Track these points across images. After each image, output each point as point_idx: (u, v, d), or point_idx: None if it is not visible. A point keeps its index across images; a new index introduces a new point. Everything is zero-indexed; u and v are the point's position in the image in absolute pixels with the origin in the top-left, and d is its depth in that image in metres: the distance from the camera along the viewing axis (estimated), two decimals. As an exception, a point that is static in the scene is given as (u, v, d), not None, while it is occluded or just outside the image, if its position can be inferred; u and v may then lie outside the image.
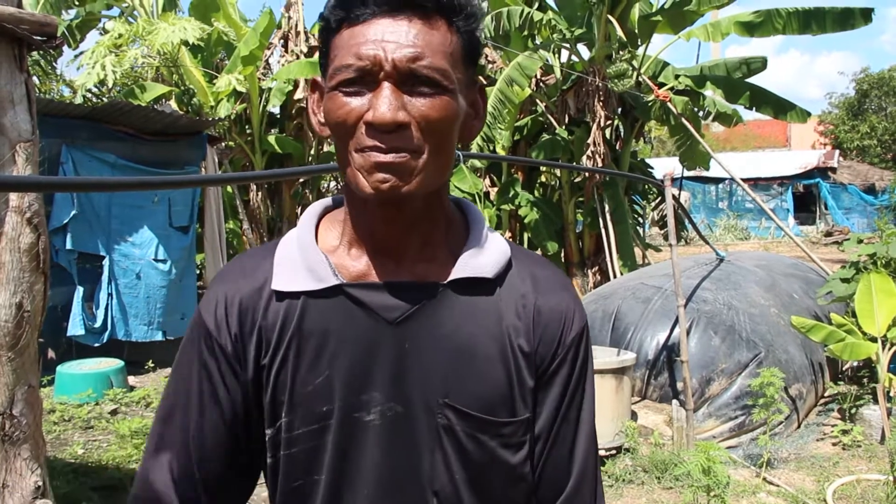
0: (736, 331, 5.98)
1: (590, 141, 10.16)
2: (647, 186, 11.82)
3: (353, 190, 1.00)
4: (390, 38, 0.95)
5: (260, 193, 11.20)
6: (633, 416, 5.77)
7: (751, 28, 9.61)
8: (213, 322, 1.07)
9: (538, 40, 11.02)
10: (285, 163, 11.30)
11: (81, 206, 7.64)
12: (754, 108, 10.60)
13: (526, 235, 11.70)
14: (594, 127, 10.15)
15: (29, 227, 2.92)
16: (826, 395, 6.65)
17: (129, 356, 7.77)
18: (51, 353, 7.40)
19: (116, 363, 7.19)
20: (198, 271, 9.61)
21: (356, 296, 1.04)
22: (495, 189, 11.88)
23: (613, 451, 5.28)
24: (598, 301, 6.81)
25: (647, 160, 13.58)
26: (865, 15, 9.35)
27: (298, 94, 10.99)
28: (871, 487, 4.85)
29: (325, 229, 1.11)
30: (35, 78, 12.53)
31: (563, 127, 10.92)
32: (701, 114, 10.74)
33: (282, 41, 11.50)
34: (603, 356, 5.53)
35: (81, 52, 10.79)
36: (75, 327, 7.55)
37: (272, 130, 11.53)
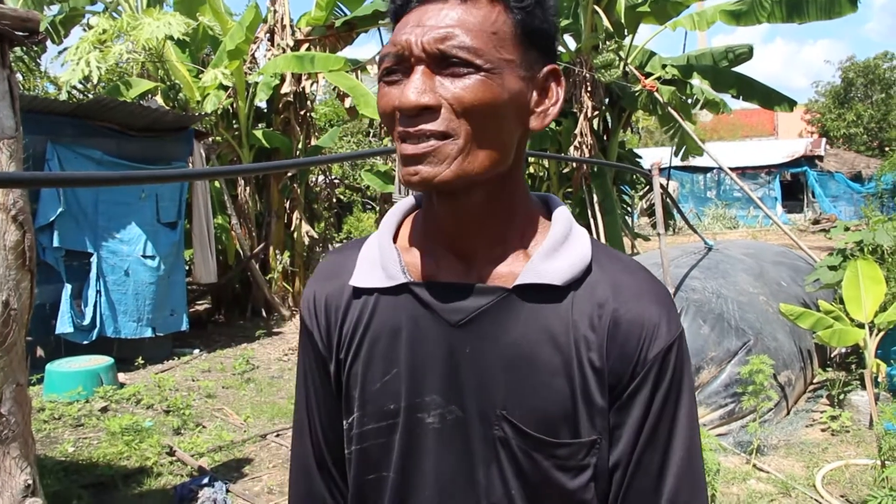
0: (725, 319, 6.01)
1: (577, 131, 10.16)
2: (635, 176, 11.84)
3: None
4: (426, 21, 0.93)
5: (248, 188, 11.16)
6: (624, 405, 5.78)
7: (736, 16, 9.60)
8: (308, 320, 1.12)
9: (525, 31, 11.00)
10: (273, 157, 11.24)
11: (68, 203, 7.60)
12: (741, 98, 10.61)
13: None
14: (581, 117, 10.15)
15: (14, 225, 2.90)
16: (815, 381, 6.69)
17: (118, 353, 7.75)
18: (40, 352, 7.37)
19: (106, 360, 7.16)
20: (186, 267, 9.58)
21: (420, 295, 1.03)
22: (484, 181, 11.86)
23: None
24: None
25: (635, 150, 13.60)
26: (852, 2, 9.36)
27: (285, 89, 10.94)
28: (859, 472, 4.89)
29: (407, 227, 1.11)
30: (19, 75, 12.45)
31: (551, 118, 10.91)
32: (689, 102, 10.75)
33: (268, 35, 11.43)
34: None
35: (65, 49, 10.70)
36: (64, 325, 7.52)
37: (259, 125, 11.47)
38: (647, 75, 10.30)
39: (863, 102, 32.28)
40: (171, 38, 9.64)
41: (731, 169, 11.79)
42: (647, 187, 12.02)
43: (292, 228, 11.48)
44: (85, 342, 7.66)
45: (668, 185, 12.77)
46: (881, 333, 5.71)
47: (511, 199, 1.02)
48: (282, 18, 11.22)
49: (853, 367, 6.78)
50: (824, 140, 27.79)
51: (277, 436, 5.84)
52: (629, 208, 13.18)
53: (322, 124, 17.57)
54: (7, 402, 2.88)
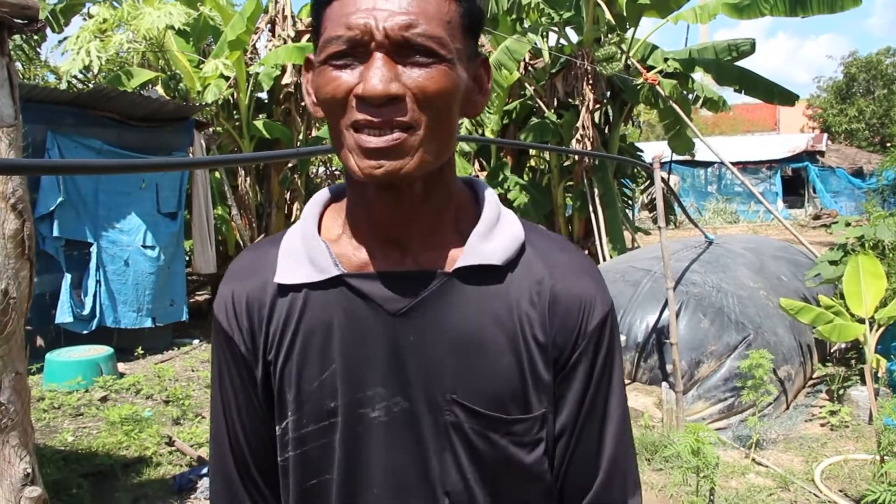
0: (725, 313, 6.01)
1: (579, 124, 10.14)
2: (636, 170, 11.82)
3: (349, 173, 0.96)
4: (382, 5, 0.89)
5: (248, 179, 11.14)
6: (623, 398, 5.79)
7: (739, 9, 9.57)
8: (226, 322, 1.05)
9: (526, 24, 10.98)
10: (273, 148, 11.22)
11: (68, 192, 7.59)
12: (743, 92, 10.58)
13: (515, 220, 11.69)
14: (583, 110, 10.13)
15: (13, 214, 2.89)
16: (814, 376, 6.69)
17: (118, 343, 7.76)
18: (39, 341, 7.37)
19: (105, 350, 7.16)
20: (186, 257, 9.58)
21: (357, 287, 0.99)
22: (484, 173, 11.86)
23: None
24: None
25: (637, 143, 13.58)
26: (855, -4, 9.32)
27: (286, 79, 10.91)
28: (858, 467, 4.89)
29: (330, 218, 1.07)
30: (19, 64, 12.41)
31: (552, 111, 10.91)
32: (690, 97, 10.73)
33: (269, 26, 11.41)
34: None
35: (66, 38, 10.67)
36: (64, 315, 7.52)
37: (260, 116, 11.44)
38: (649, 68, 10.27)
39: (864, 98, 32.19)
40: (172, 27, 9.61)
41: (733, 163, 11.79)
42: (648, 181, 12.00)
43: (293, 219, 11.47)
44: (85, 332, 7.67)
45: (669, 179, 12.75)
46: (881, 329, 5.72)
47: (445, 186, 1.02)
48: (283, 9, 11.22)
49: (853, 362, 6.78)
50: (826, 135, 27.71)
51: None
52: (630, 202, 13.17)
53: (323, 115, 17.50)
54: (6, 391, 2.87)
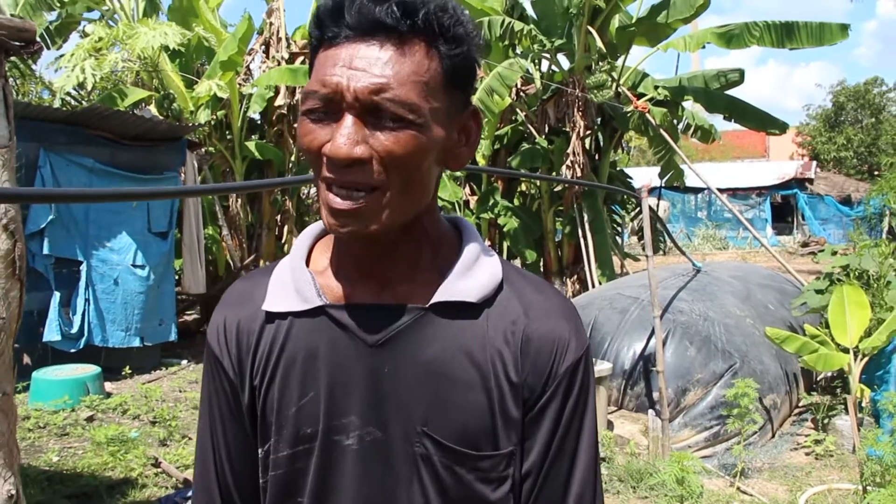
0: (711, 341, 6.04)
1: (569, 150, 10.22)
2: (626, 197, 11.89)
3: None
4: (358, 64, 0.90)
5: (239, 200, 11.16)
6: (610, 425, 5.81)
7: (727, 39, 9.68)
8: (218, 348, 1.10)
9: (518, 50, 11.08)
10: (265, 169, 11.28)
11: (59, 210, 7.59)
12: (734, 120, 10.69)
13: (505, 244, 11.75)
14: (574, 136, 10.21)
15: (5, 234, 2.91)
16: (800, 405, 6.72)
17: (105, 362, 7.71)
18: (26, 359, 7.33)
19: (93, 369, 7.13)
20: (176, 277, 9.56)
21: (337, 317, 1.03)
22: (475, 198, 11.92)
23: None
24: (575, 310, 6.84)
25: (627, 170, 13.68)
26: (843, 29, 9.47)
27: (279, 101, 10.98)
28: (841, 496, 4.92)
29: (319, 251, 1.11)
30: (12, 80, 12.43)
31: (543, 136, 10.99)
32: (680, 126, 10.83)
33: (263, 47, 11.49)
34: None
35: (62, 55, 10.71)
36: (52, 333, 7.48)
37: (252, 136, 11.49)
38: (640, 96, 10.37)
39: (853, 126, 32.56)
40: (167, 48, 9.66)
41: (722, 190, 11.88)
42: (638, 207, 12.07)
43: (283, 241, 11.48)
44: (72, 350, 7.63)
45: (658, 204, 12.84)
46: (865, 359, 5.76)
47: (425, 227, 1.04)
48: (277, 31, 11.29)
49: (838, 391, 6.81)
50: (815, 163, 27.97)
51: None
52: (619, 228, 13.23)
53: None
54: (-7, 412, 2.87)
